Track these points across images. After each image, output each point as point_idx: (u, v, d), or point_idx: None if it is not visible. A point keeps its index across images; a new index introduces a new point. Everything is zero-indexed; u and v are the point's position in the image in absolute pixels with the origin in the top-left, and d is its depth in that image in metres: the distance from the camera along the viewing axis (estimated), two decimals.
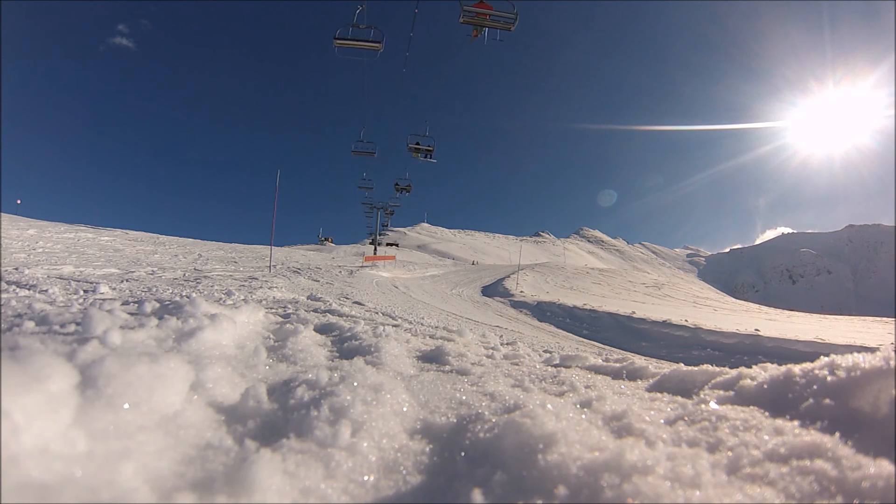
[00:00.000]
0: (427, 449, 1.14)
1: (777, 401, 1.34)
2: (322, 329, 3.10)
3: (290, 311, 3.90)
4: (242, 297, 4.92)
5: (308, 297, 5.95)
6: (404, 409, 1.35)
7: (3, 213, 21.68)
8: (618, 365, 2.47)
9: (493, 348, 3.33)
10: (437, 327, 4.71)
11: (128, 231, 23.27)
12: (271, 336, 2.49)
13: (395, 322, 4.68)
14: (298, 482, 0.91)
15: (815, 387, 1.28)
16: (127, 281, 6.45)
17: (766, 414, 1.25)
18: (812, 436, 1.02)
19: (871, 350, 1.37)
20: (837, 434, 1.01)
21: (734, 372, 1.69)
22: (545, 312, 13.00)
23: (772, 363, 1.74)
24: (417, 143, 20.77)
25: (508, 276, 22.74)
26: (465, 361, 2.46)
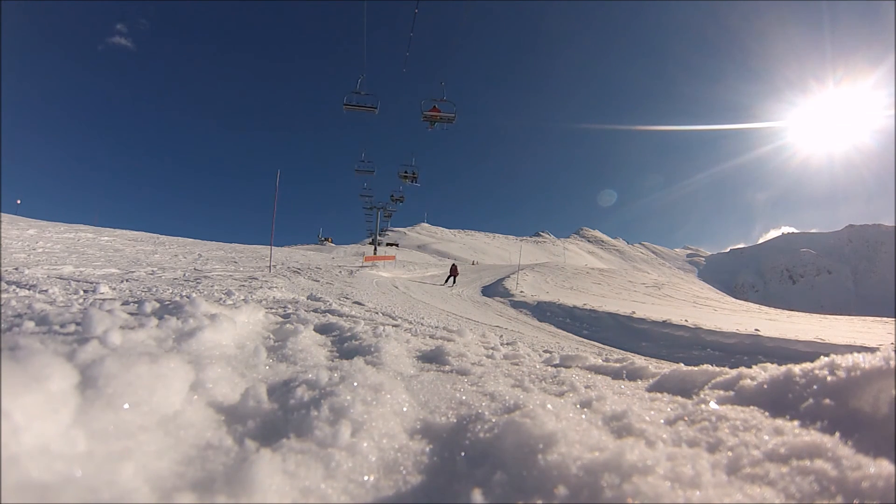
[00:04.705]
0: (427, 449, 1.14)
1: (777, 401, 1.34)
2: (322, 329, 3.09)
3: (290, 311, 3.90)
4: (242, 297, 4.92)
5: (308, 297, 5.95)
6: (404, 409, 1.35)
7: (3, 213, 21.68)
8: (618, 365, 2.47)
9: (493, 348, 3.33)
10: (437, 327, 4.71)
11: (126, 231, 23.29)
12: (271, 336, 2.49)
13: (395, 322, 4.68)
14: (298, 482, 0.91)
15: (815, 387, 1.28)
16: (127, 281, 6.45)
17: (766, 414, 1.25)
18: (812, 436, 1.02)
19: (871, 350, 1.37)
20: (837, 434, 1.01)
21: (734, 372, 1.69)
22: (545, 312, 12.98)
23: (772, 363, 1.74)
24: (406, 171, 27.66)
25: (508, 276, 22.73)
26: (465, 361, 2.46)
